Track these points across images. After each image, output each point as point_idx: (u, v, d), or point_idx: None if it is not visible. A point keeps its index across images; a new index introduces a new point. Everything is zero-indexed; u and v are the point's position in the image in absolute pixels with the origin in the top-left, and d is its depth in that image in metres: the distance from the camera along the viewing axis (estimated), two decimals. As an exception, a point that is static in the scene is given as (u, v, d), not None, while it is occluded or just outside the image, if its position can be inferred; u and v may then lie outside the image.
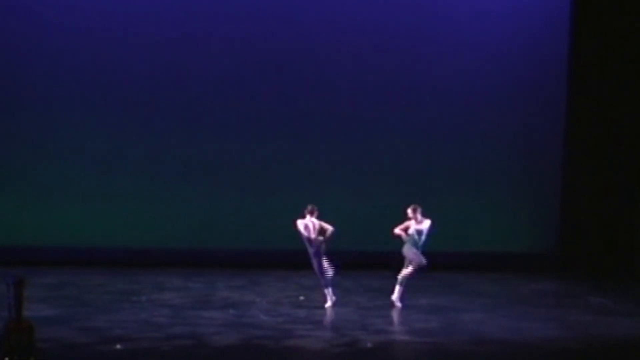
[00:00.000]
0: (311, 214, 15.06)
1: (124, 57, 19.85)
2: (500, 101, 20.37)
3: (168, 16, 19.93)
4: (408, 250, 14.92)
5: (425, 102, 20.29)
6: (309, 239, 14.97)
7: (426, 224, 14.96)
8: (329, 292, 15.20)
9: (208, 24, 19.94)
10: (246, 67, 20.00)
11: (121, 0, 19.97)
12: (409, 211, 14.93)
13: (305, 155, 20.19)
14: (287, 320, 13.97)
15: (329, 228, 14.99)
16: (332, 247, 15.20)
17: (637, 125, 20.28)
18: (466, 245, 20.01)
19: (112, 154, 19.90)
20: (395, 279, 15.14)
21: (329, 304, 15.16)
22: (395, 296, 15.15)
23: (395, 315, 14.77)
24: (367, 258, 19.38)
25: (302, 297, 15.92)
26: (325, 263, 15.00)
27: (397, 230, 14.99)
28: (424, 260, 14.84)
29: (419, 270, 14.94)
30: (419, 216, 14.96)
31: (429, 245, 15.02)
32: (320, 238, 14.97)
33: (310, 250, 15.00)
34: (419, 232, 14.87)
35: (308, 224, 15.00)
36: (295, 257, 15.29)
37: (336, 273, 15.10)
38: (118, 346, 11.89)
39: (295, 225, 15.00)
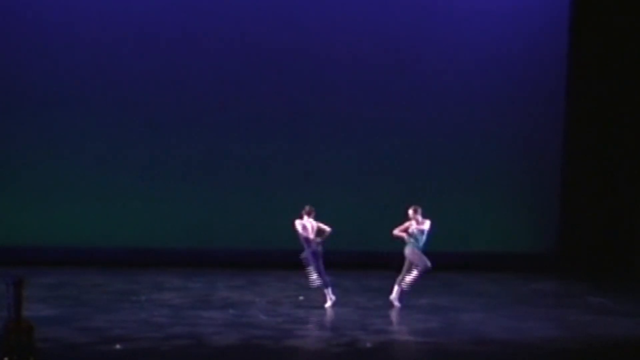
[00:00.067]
0: (309, 214, 15.07)
1: (124, 57, 19.86)
2: (500, 101, 20.37)
3: (168, 16, 19.94)
4: (411, 253, 14.88)
5: (425, 102, 20.30)
6: (307, 239, 14.97)
7: (427, 224, 14.95)
8: (328, 292, 15.20)
9: (208, 24, 19.94)
10: (246, 67, 20.01)
11: (121, 0, 19.98)
12: (410, 212, 14.90)
13: (305, 155, 20.20)
14: (286, 320, 13.96)
15: (326, 229, 15.01)
16: (332, 247, 15.21)
17: (637, 125, 20.29)
18: (466, 245, 20.02)
19: (112, 154, 19.90)
20: (395, 279, 15.14)
21: (328, 304, 15.15)
22: (393, 296, 15.13)
23: (394, 315, 14.76)
24: (367, 258, 19.43)
25: (301, 297, 15.90)
26: (314, 274, 14.99)
27: (397, 232, 14.98)
28: (428, 263, 14.81)
29: (424, 274, 14.93)
30: (419, 217, 14.94)
31: (429, 246, 15.01)
32: (318, 239, 14.99)
33: (308, 251, 15.01)
34: (421, 232, 14.86)
35: (306, 225, 15.02)
36: (295, 257, 15.26)
37: (322, 285, 15.11)
38: (118, 346, 11.88)
39: (293, 226, 15.02)
